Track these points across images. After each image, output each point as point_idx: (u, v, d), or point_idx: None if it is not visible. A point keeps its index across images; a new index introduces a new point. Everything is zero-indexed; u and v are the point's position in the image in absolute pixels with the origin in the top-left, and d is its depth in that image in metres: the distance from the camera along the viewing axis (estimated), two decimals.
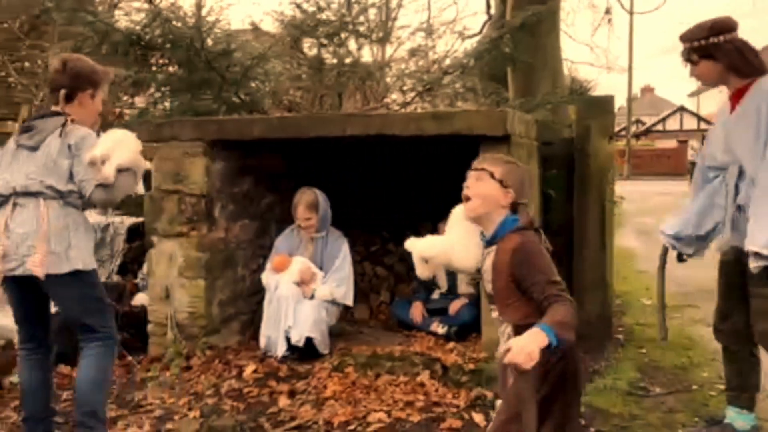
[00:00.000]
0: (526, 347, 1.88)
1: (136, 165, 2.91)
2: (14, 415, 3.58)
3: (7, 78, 9.39)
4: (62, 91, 2.95)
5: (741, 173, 2.87)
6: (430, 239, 2.47)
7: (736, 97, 2.94)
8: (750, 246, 2.72)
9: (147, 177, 3.84)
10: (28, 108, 7.31)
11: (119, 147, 2.84)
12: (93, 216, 5.51)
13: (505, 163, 2.32)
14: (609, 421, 3.39)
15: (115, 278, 5.06)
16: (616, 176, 5.12)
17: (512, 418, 2.12)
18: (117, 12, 6.82)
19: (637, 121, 42.43)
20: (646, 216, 12.89)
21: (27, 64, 9.95)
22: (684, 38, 2.97)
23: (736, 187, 2.88)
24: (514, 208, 2.27)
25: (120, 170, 2.81)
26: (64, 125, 2.88)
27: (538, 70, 6.93)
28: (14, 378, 3.98)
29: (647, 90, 54.39)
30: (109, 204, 3.06)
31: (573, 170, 4.86)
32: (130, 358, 4.25)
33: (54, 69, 3.04)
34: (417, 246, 2.44)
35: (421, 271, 2.46)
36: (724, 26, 2.89)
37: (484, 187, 2.24)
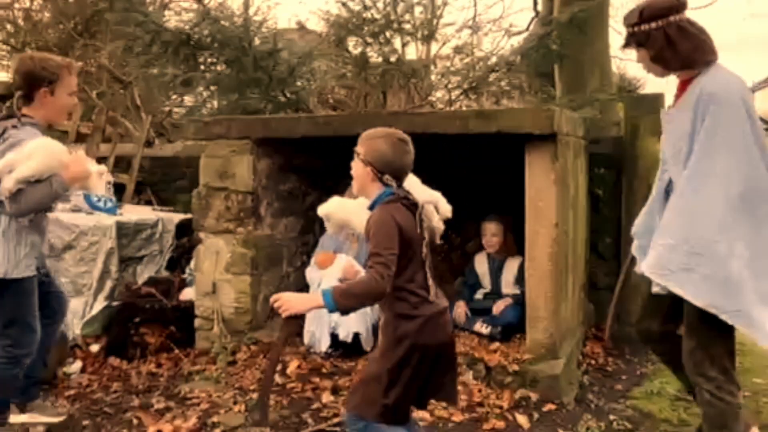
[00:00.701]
0: (292, 299, 2.19)
1: (45, 174, 2.85)
2: (69, 405, 3.70)
3: None
4: (17, 93, 2.97)
5: (671, 180, 2.66)
6: (334, 200, 2.78)
7: (679, 92, 2.67)
8: (639, 267, 2.66)
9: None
10: (83, 106, 7.51)
11: (29, 158, 2.82)
12: (143, 212, 5.64)
13: (368, 140, 2.40)
14: (657, 426, 3.33)
15: (164, 273, 5.16)
16: None
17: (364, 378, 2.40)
18: (167, 12, 6.95)
19: None
20: None
21: (80, 63, 10.22)
22: (623, 22, 2.68)
23: (667, 193, 2.68)
24: (398, 181, 2.38)
25: (32, 181, 2.81)
26: (4, 131, 2.91)
27: (586, 68, 6.80)
28: (68, 369, 4.12)
29: None
30: (23, 215, 2.92)
31: (621, 169, 4.77)
32: (177, 351, 4.34)
33: (12, 70, 3.09)
34: (323, 206, 2.79)
35: (327, 227, 2.79)
36: (656, 11, 2.54)
37: (355, 167, 2.41)
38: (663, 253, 2.55)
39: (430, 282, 2.36)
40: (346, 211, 2.69)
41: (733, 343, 2.65)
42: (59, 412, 3.55)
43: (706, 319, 2.51)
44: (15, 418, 3.39)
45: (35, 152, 2.85)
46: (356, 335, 4.15)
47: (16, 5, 11.29)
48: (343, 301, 2.12)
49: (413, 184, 2.57)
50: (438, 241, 2.65)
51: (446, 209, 2.66)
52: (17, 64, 3.06)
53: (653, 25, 2.55)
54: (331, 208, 2.76)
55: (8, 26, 11.29)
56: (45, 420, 3.42)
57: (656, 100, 4.77)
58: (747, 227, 2.47)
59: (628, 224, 4.69)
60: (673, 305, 2.67)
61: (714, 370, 2.58)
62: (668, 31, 2.54)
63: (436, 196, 2.66)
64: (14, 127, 2.96)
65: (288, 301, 2.18)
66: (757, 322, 2.46)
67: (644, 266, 2.65)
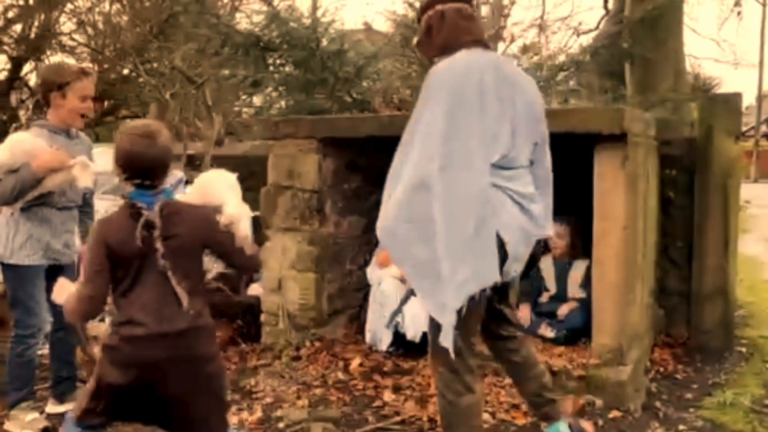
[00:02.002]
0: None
1: (15, 165, 3.09)
2: None
3: (137, 78, 10.03)
4: (35, 99, 3.28)
5: None
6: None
7: None
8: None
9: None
10: (157, 106, 7.78)
11: (2, 150, 3.12)
12: None
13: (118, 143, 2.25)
14: None
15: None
16: (742, 178, 4.81)
17: None
18: (238, 15, 7.13)
19: None
20: None
21: (155, 65, 10.58)
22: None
23: None
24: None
25: (8, 172, 3.08)
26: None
27: (659, 67, 6.62)
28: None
29: None
30: (4, 202, 3.18)
31: (695, 171, 4.62)
32: (244, 345, 4.45)
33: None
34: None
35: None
36: (425, 3, 2.67)
37: None
38: None
39: (151, 300, 2.18)
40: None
41: (468, 338, 2.55)
42: None
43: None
44: (52, 408, 3.57)
45: (7, 144, 3.16)
46: (424, 334, 4.16)
47: (96, 9, 11.79)
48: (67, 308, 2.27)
49: (208, 187, 2.46)
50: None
51: (243, 228, 2.43)
52: (40, 72, 3.38)
53: (428, 13, 2.65)
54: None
55: (89, 29, 11.80)
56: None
57: (732, 99, 4.60)
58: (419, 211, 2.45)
59: (701, 229, 4.55)
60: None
61: (441, 366, 2.54)
62: (430, 22, 2.64)
63: (237, 215, 2.44)
64: (19, 128, 3.36)
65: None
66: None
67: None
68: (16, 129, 3.44)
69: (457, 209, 2.40)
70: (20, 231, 3.22)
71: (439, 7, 2.62)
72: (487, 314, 2.68)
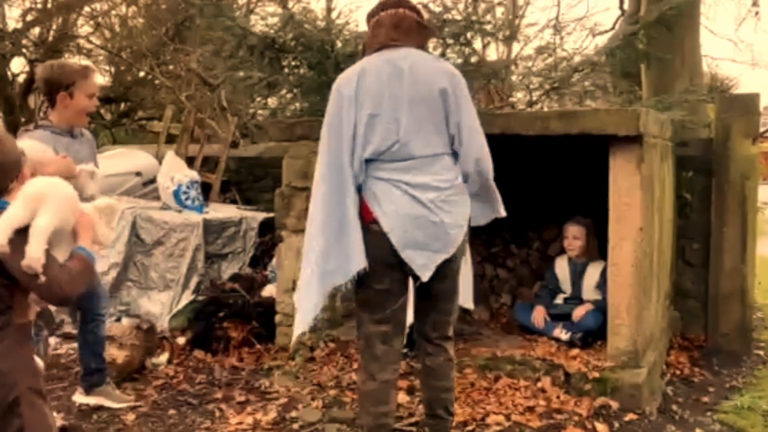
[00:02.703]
0: None
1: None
2: (155, 394, 3.87)
3: (153, 80, 10.11)
4: (41, 99, 3.24)
5: None
6: None
7: None
8: None
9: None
10: (173, 108, 7.84)
11: None
12: (228, 210, 5.83)
13: None
14: None
15: (247, 270, 5.32)
16: (760, 180, 4.77)
17: None
18: (253, 17, 7.16)
19: None
20: None
21: (171, 67, 10.65)
22: None
23: None
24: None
25: None
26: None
27: (675, 67, 6.57)
28: (156, 359, 4.30)
29: None
30: None
31: (711, 173, 4.59)
32: (258, 346, 4.46)
33: (38, 79, 3.33)
34: None
35: None
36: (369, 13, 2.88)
37: None
38: None
39: None
40: None
41: (378, 324, 2.70)
42: (124, 398, 3.72)
43: None
44: (79, 398, 3.62)
45: None
46: None
47: (113, 12, 11.89)
48: None
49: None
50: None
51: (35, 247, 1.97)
52: (40, 71, 3.29)
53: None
54: None
55: (105, 32, 11.90)
56: (108, 404, 3.62)
57: (750, 100, 4.56)
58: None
59: (718, 231, 4.52)
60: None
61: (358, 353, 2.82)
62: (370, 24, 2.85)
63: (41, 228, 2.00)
64: (26, 131, 3.22)
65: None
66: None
67: None
68: (26, 130, 3.34)
69: (321, 204, 2.70)
70: None
71: (372, 20, 2.85)
72: (417, 309, 2.85)
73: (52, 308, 2.48)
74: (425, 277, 2.64)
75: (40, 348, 3.66)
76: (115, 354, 4.03)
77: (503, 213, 2.94)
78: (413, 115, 2.62)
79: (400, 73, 2.64)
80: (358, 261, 2.61)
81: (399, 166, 2.63)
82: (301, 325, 2.83)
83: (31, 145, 3.22)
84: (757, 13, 15.80)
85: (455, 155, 2.75)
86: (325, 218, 2.68)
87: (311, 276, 2.74)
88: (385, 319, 2.71)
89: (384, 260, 2.64)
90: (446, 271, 2.71)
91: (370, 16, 2.85)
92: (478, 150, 2.77)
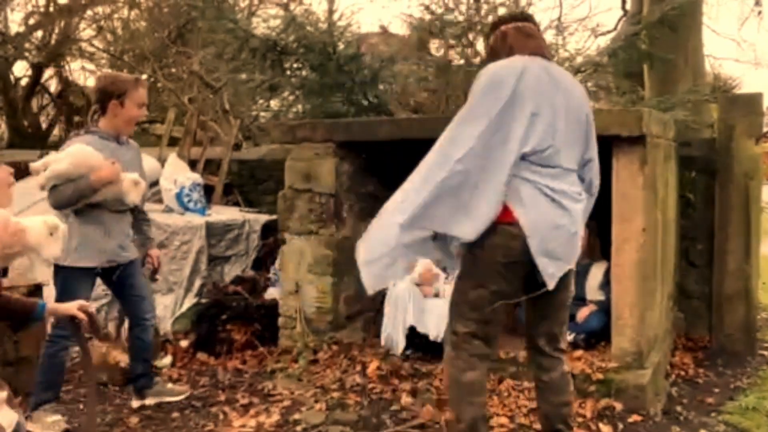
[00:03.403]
0: None
1: (74, 175, 3.19)
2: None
3: (156, 83, 10.12)
4: (93, 107, 3.43)
5: None
6: None
7: None
8: None
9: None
10: (176, 111, 7.84)
11: (61, 159, 3.20)
12: (231, 213, 5.83)
13: None
14: None
15: (250, 273, 5.32)
16: (763, 180, 4.75)
17: None
18: (255, 19, 7.16)
19: None
20: None
21: (174, 69, 10.67)
22: None
23: None
24: None
25: (67, 180, 3.18)
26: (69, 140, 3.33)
27: (678, 67, 6.56)
28: (159, 362, 4.30)
29: None
30: (58, 207, 3.26)
31: (715, 173, 4.57)
32: (261, 348, 4.46)
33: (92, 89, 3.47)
34: None
35: None
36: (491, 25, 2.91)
37: None
38: None
39: None
40: None
41: (480, 323, 2.64)
42: (180, 391, 3.83)
43: None
44: (136, 403, 3.70)
45: (68, 155, 3.24)
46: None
47: (115, 16, 11.92)
48: None
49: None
50: None
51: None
52: (95, 82, 3.47)
53: (491, 35, 2.86)
54: None
55: (108, 35, 11.93)
56: (168, 399, 3.74)
57: (753, 100, 4.55)
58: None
59: (722, 231, 4.50)
60: None
61: (448, 344, 2.73)
62: (495, 40, 2.81)
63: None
64: (77, 135, 3.38)
65: None
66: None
67: None
68: (76, 134, 3.47)
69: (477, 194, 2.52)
70: (75, 233, 3.29)
71: (502, 27, 2.79)
72: (530, 321, 2.78)
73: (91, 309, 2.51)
74: (551, 285, 2.57)
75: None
76: (119, 357, 4.03)
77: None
78: (567, 127, 2.61)
79: (557, 84, 2.63)
80: (477, 224, 2.52)
81: (548, 172, 2.57)
82: (369, 278, 2.69)
83: (83, 149, 3.31)
84: (759, 12, 15.73)
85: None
86: (451, 176, 2.53)
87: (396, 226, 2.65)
88: (489, 320, 2.65)
89: (510, 263, 2.57)
90: (566, 280, 2.68)
91: (502, 23, 2.83)
92: (597, 175, 2.82)
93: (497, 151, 2.51)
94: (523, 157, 2.53)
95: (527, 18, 2.86)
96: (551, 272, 2.55)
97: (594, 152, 2.76)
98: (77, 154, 3.25)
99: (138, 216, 3.68)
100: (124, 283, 3.55)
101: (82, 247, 3.32)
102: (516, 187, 2.54)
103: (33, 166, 3.27)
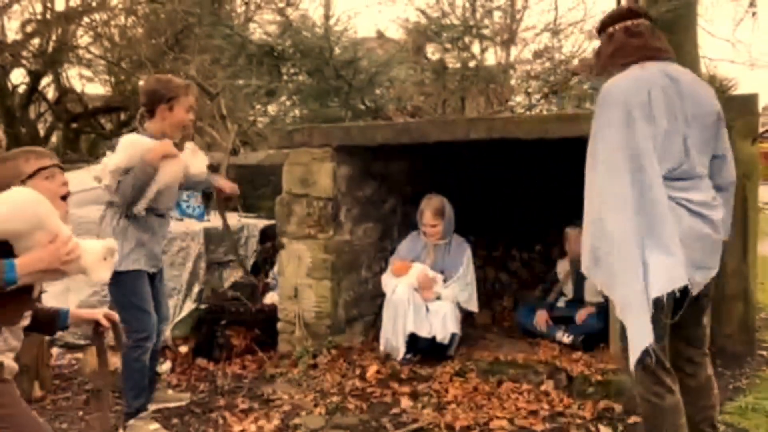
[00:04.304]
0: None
1: (132, 163, 3.20)
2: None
3: None
4: (141, 109, 3.41)
5: None
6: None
7: None
8: None
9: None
10: None
11: (116, 153, 3.21)
12: (229, 218, 5.82)
13: None
14: None
15: (249, 278, 5.32)
16: (760, 180, 4.76)
17: None
18: (251, 25, 7.18)
19: None
20: None
21: (171, 76, 10.68)
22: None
23: None
24: None
25: (125, 172, 3.18)
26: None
27: None
28: (159, 368, 4.29)
29: None
30: (127, 201, 3.26)
31: None
32: (261, 353, 4.46)
33: (140, 91, 3.49)
34: None
35: None
36: (599, 24, 2.80)
37: None
38: None
39: None
40: None
41: (659, 341, 2.51)
42: (180, 397, 3.81)
43: None
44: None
45: (120, 146, 3.24)
46: (437, 340, 4.16)
47: (112, 22, 11.93)
48: None
49: None
50: None
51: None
52: (143, 84, 3.46)
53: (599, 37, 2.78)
54: None
55: (105, 42, 11.94)
56: (172, 405, 3.72)
57: (749, 100, 4.55)
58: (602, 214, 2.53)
59: None
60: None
61: (642, 370, 2.54)
62: (601, 43, 2.75)
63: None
64: (124, 135, 3.36)
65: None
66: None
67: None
68: (131, 130, 3.50)
69: (628, 222, 2.46)
70: (128, 238, 3.30)
71: (609, 29, 2.71)
72: (673, 328, 2.69)
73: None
74: (695, 291, 2.57)
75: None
76: (118, 363, 4.02)
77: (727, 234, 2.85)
78: (696, 133, 2.57)
79: (680, 88, 2.57)
80: (682, 275, 2.46)
81: (682, 185, 2.55)
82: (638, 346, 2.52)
83: (133, 138, 3.32)
84: (754, 13, 15.70)
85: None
86: (635, 235, 2.46)
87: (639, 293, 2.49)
88: (664, 336, 2.61)
89: None
90: (710, 285, 2.69)
91: (610, 23, 2.73)
92: (734, 176, 2.76)
93: (653, 182, 2.48)
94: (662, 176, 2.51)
95: (637, 14, 2.73)
96: (698, 281, 2.56)
97: (723, 148, 2.69)
98: (129, 145, 3.24)
99: None
100: (155, 288, 3.54)
101: (135, 252, 3.33)
102: None
103: (94, 174, 3.28)
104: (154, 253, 3.45)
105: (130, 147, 3.23)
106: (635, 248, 2.44)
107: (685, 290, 2.51)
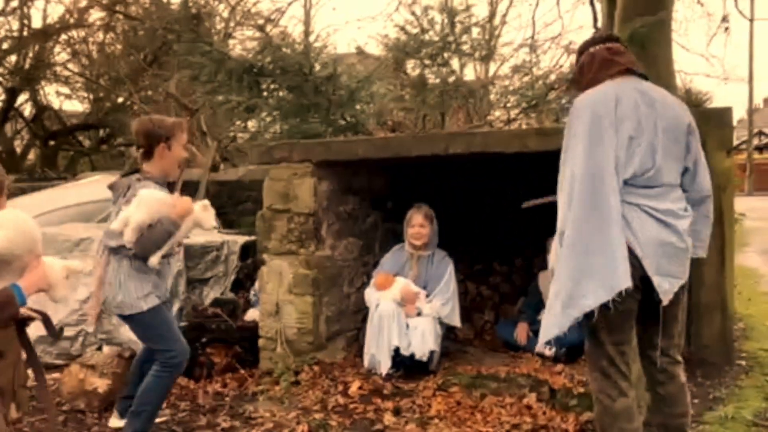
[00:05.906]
0: None
1: (155, 218, 3.22)
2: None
3: (132, 106, 10.08)
4: (140, 151, 3.42)
5: None
6: None
7: None
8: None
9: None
10: None
11: (138, 208, 3.21)
12: (209, 235, 5.79)
13: None
14: None
15: (229, 294, 5.28)
16: (736, 192, 4.83)
17: None
18: (231, 41, 7.19)
19: (760, 133, 39.90)
20: None
21: (150, 92, 10.64)
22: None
23: None
24: None
25: (148, 226, 3.20)
26: (128, 187, 3.32)
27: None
28: None
29: None
30: (147, 255, 3.30)
31: None
32: (242, 371, 4.42)
33: (133, 131, 3.48)
34: None
35: None
36: (579, 47, 2.96)
37: None
38: None
39: None
40: None
41: (617, 345, 2.65)
42: (161, 414, 3.73)
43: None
44: (114, 422, 3.63)
45: (142, 202, 3.25)
46: (419, 356, 4.15)
47: (90, 39, 11.88)
48: None
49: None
50: None
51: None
52: (137, 125, 3.46)
53: (579, 58, 2.92)
54: None
55: (83, 59, 11.89)
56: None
57: (724, 114, 4.63)
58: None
59: None
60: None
61: (595, 371, 2.69)
62: (583, 62, 2.88)
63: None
64: (138, 180, 3.38)
65: None
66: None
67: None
68: (138, 179, 3.46)
69: (585, 226, 2.56)
70: (145, 280, 3.34)
71: (591, 49, 2.86)
72: (642, 335, 2.78)
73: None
74: (666, 300, 2.62)
75: None
76: (96, 383, 3.97)
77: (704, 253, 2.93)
78: (667, 144, 2.65)
79: (651, 101, 2.68)
80: (624, 278, 2.52)
81: (648, 193, 2.62)
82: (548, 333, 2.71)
83: (151, 193, 3.31)
84: (726, 29, 16.05)
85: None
86: (578, 238, 2.58)
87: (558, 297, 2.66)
88: (624, 341, 2.68)
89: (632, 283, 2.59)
90: (680, 294, 2.73)
91: (591, 45, 2.88)
92: (709, 189, 2.82)
93: (607, 186, 2.57)
94: (625, 182, 2.59)
95: (615, 39, 2.92)
96: (666, 289, 2.61)
97: (694, 160, 2.76)
98: (149, 201, 3.26)
99: None
100: None
101: (154, 290, 3.37)
102: (623, 212, 2.58)
103: (114, 228, 3.27)
104: (166, 287, 3.53)
105: (153, 203, 3.26)
106: (582, 252, 2.56)
107: (653, 297, 2.59)
